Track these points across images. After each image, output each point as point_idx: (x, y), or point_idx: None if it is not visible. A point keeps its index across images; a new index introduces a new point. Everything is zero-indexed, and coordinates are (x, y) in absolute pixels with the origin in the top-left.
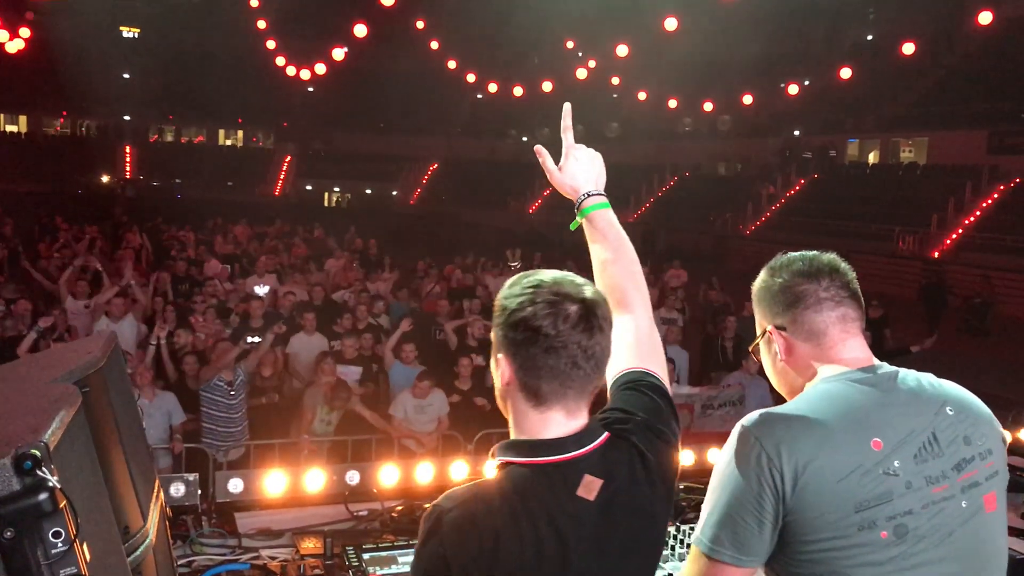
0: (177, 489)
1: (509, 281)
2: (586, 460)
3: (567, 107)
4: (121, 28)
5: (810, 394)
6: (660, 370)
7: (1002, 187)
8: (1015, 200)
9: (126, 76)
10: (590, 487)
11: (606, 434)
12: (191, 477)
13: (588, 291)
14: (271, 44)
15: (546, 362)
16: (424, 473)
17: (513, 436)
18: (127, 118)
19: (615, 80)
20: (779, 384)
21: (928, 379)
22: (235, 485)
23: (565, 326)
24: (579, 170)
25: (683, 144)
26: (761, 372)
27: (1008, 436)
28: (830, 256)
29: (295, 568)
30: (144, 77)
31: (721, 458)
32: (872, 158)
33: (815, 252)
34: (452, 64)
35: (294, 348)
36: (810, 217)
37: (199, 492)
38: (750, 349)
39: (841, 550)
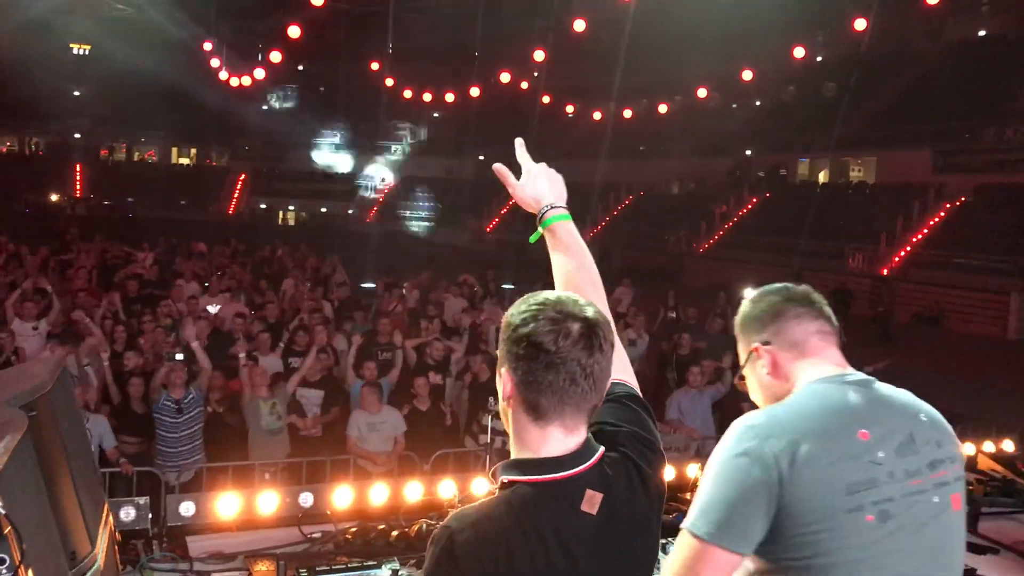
0: (127, 513)
1: (519, 300)
2: (586, 476)
3: (519, 142)
4: (72, 45)
5: (800, 393)
6: (632, 379)
7: (948, 205)
8: (960, 218)
9: (76, 93)
10: (592, 501)
11: (602, 449)
12: (141, 501)
13: (591, 311)
14: (215, 61)
15: (545, 378)
16: (378, 494)
17: (514, 452)
18: (77, 136)
19: (569, 107)
20: (765, 399)
21: (902, 391)
22: (187, 508)
23: (566, 343)
24: (540, 183)
25: (637, 163)
26: (731, 388)
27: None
28: (805, 286)
29: None
30: (95, 94)
31: (719, 451)
32: (822, 177)
33: (790, 283)
34: (408, 93)
35: None
36: (762, 235)
37: (150, 516)
38: (736, 379)
39: (831, 531)
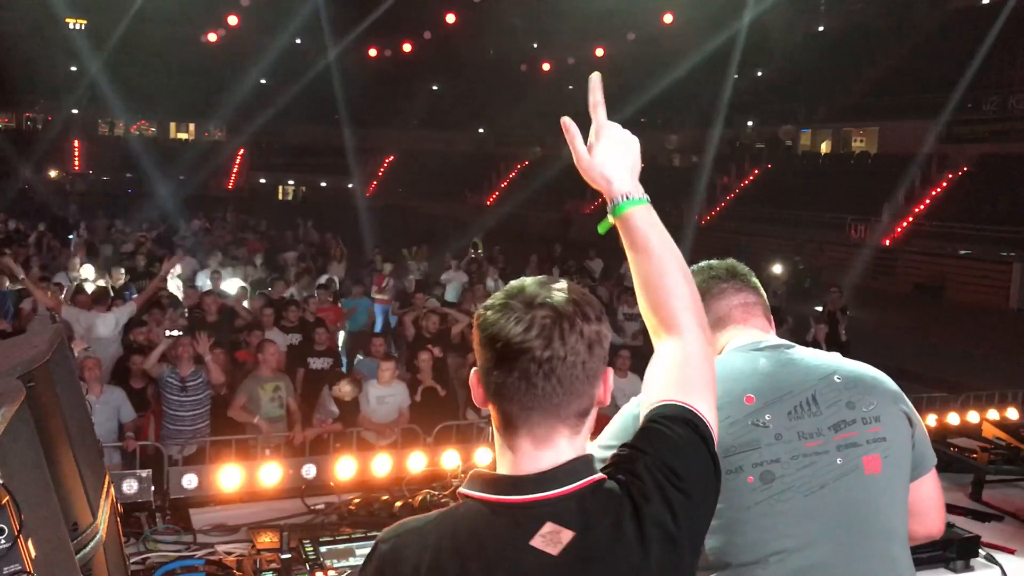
0: (130, 486)
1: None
2: (552, 505)
3: (595, 78)
4: (67, 20)
5: None
6: (706, 405)
7: (950, 175)
8: (963, 188)
9: (73, 69)
10: (553, 539)
11: (595, 476)
12: (144, 473)
13: (558, 296)
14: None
15: (497, 377)
16: (381, 465)
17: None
18: (75, 111)
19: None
20: None
21: (824, 355)
22: (189, 481)
23: (516, 333)
24: (613, 156)
25: (637, 134)
26: None
27: (914, 414)
28: (729, 260)
29: (251, 563)
30: (92, 69)
31: (623, 409)
32: (824, 148)
33: (716, 260)
34: (405, 61)
35: None
36: (764, 207)
37: (152, 488)
38: None
39: None
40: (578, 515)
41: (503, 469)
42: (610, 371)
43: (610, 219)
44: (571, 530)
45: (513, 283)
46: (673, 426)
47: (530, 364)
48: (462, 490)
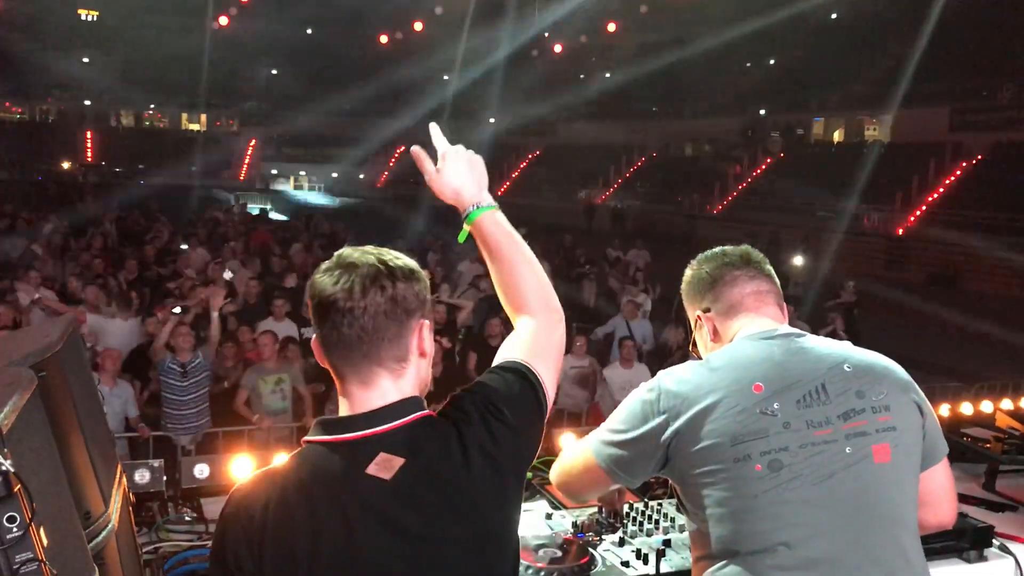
0: (142, 476)
1: None
2: (383, 438)
3: (434, 128)
4: (79, 11)
5: (717, 351)
6: (545, 372)
7: (964, 164)
8: (977, 177)
9: (85, 60)
10: (386, 466)
11: (423, 412)
12: (156, 463)
13: (370, 258)
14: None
15: (319, 329)
16: None
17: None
18: (87, 103)
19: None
20: None
21: (835, 344)
22: (201, 471)
23: (327, 289)
24: (459, 172)
25: (650, 125)
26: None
27: (925, 404)
28: (743, 246)
29: None
30: (104, 61)
31: (632, 394)
32: (837, 136)
33: (730, 246)
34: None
35: None
36: (776, 196)
37: (164, 478)
38: (690, 347)
39: (721, 482)
40: (407, 444)
41: (341, 411)
42: (425, 323)
43: (466, 227)
44: (401, 457)
45: (338, 252)
46: (505, 374)
47: (335, 314)
48: (305, 438)
